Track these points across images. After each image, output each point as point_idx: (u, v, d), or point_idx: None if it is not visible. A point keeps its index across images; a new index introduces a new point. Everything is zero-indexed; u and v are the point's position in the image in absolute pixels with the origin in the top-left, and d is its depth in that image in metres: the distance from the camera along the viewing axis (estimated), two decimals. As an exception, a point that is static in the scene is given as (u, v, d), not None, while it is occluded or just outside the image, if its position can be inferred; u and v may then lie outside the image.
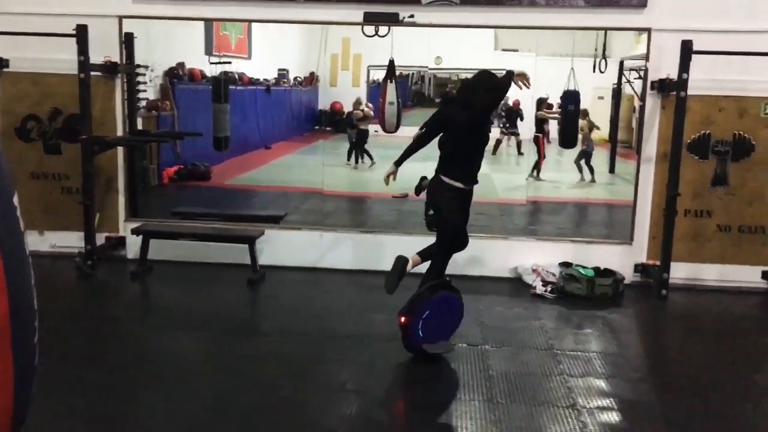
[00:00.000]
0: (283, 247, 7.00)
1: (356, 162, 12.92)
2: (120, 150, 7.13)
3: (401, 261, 4.86)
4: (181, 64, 11.47)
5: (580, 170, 11.85)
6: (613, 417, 4.10)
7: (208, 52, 12.31)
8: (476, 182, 4.88)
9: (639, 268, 6.75)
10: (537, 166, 11.99)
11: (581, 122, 11.13)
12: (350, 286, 6.51)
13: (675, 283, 6.43)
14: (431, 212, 4.96)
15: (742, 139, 6.54)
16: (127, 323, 5.59)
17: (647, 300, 6.41)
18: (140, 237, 6.67)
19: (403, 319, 4.68)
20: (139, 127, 7.75)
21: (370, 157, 12.83)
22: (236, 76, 13.07)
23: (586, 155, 11.75)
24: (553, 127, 12.14)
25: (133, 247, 7.00)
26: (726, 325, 5.94)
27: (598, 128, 12.22)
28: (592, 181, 11.85)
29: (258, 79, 14.69)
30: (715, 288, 6.63)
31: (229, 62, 10.41)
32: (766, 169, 6.56)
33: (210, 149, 9.54)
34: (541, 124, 12.14)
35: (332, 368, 4.65)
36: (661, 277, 6.34)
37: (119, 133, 7.06)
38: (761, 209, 6.61)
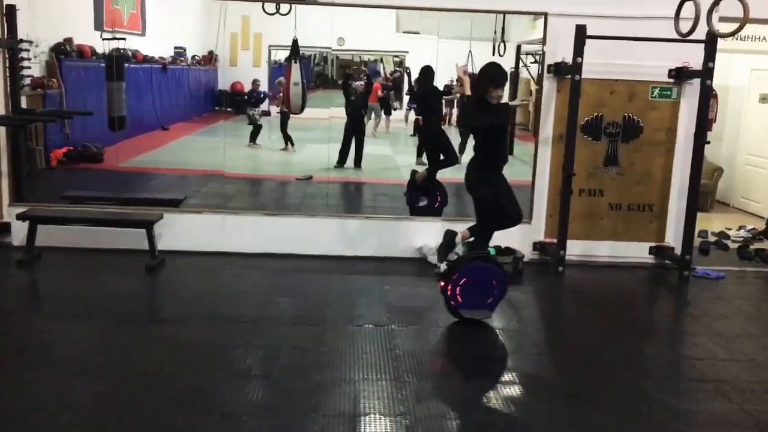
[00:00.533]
0: (184, 232, 6.77)
1: (287, 145, 12.45)
2: (2, 130, 6.66)
3: (450, 234, 5.42)
4: (68, 40, 10.82)
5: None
6: (515, 390, 4.23)
7: (98, 27, 11.66)
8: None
9: (537, 246, 6.99)
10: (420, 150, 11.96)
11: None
12: (254, 270, 6.38)
13: (571, 259, 6.70)
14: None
15: (632, 121, 6.86)
16: (11, 313, 5.25)
17: (545, 277, 6.65)
18: (26, 223, 6.28)
19: (441, 283, 5.17)
20: (24, 105, 7.26)
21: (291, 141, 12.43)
22: (129, 54, 12.47)
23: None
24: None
25: (18, 233, 6.58)
26: (617, 298, 6.26)
27: None
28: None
29: (153, 57, 14.09)
30: (607, 264, 6.96)
31: (124, 39, 9.89)
32: (653, 150, 6.91)
33: (102, 130, 9.06)
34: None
35: (237, 354, 4.54)
36: (557, 255, 6.58)
37: (1, 111, 6.60)
38: (649, 188, 6.97)
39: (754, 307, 6.24)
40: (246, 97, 13.82)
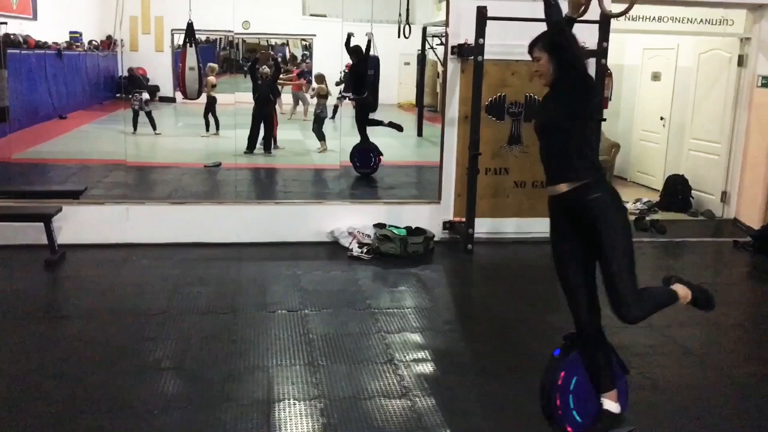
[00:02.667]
0: (85, 224, 6.51)
1: (216, 130, 11.99)
2: None
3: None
4: (-50, 24, 10.13)
5: (320, 138, 11.45)
6: (428, 368, 4.32)
7: (-17, 11, 10.98)
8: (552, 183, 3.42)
9: (447, 225, 7.12)
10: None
11: (317, 86, 11.24)
12: (162, 261, 6.22)
13: (479, 237, 6.86)
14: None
15: (533, 101, 7.06)
16: None
17: (455, 255, 6.79)
18: None
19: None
20: None
21: (217, 125, 11.99)
22: (20, 39, 11.80)
23: (320, 120, 11.33)
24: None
25: None
26: (524, 273, 6.46)
27: (330, 94, 11.85)
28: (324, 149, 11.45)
29: (47, 43, 13.38)
30: (514, 240, 7.17)
31: (5, 23, 9.33)
32: (554, 129, 7.13)
33: (-7, 120, 8.59)
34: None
35: (146, 347, 4.43)
36: (466, 233, 6.73)
37: None
38: (551, 165, 7.19)
39: (650, 275, 6.55)
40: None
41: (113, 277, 5.81)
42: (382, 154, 9.69)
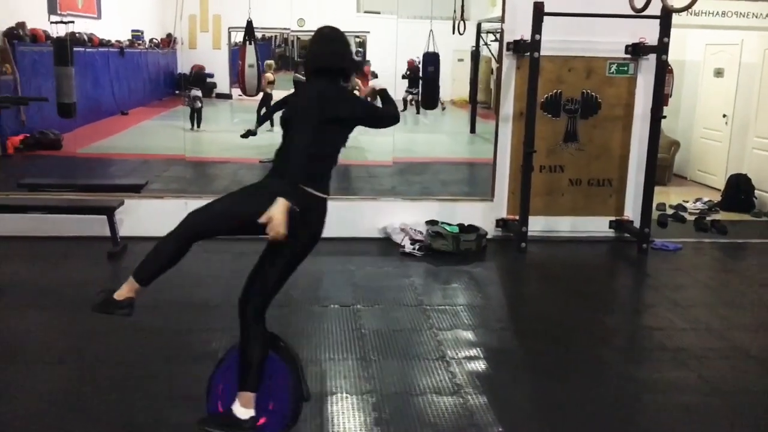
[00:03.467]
0: (145, 217, 6.68)
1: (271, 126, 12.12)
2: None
3: None
4: (21, 24, 10.54)
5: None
6: (480, 365, 4.30)
7: (52, 11, 11.38)
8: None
9: (500, 222, 7.07)
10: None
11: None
12: (218, 254, 6.34)
13: (533, 235, 6.79)
14: None
15: (590, 98, 6.95)
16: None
17: (508, 253, 6.74)
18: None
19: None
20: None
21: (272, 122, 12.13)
22: (85, 38, 12.20)
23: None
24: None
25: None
26: (579, 272, 6.37)
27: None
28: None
29: (110, 41, 13.81)
30: (568, 238, 7.08)
31: (72, 22, 9.66)
32: (610, 125, 7.02)
33: (59, 116, 8.88)
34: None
35: (201, 338, 4.53)
36: (520, 231, 6.67)
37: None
38: (607, 163, 7.08)
39: (710, 277, 6.42)
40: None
41: (172, 269, 5.93)
42: None
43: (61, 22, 9.71)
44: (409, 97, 14.32)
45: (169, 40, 16.40)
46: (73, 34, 10.21)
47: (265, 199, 2.83)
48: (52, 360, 4.19)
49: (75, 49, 9.32)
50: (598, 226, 7.15)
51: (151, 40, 15.98)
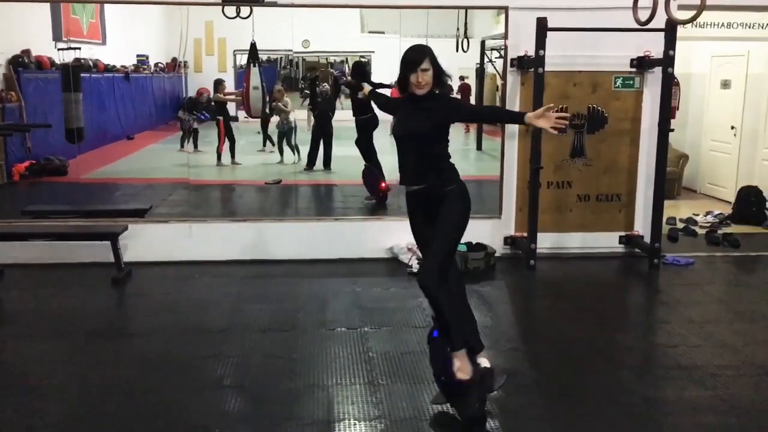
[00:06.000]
0: (150, 242, 6.64)
1: (273, 146, 12.14)
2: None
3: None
4: (26, 52, 10.59)
5: (281, 152, 11.58)
6: (491, 388, 4.19)
7: (57, 37, 11.44)
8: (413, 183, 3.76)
9: (508, 240, 6.98)
10: (227, 149, 11.75)
11: (283, 101, 11.25)
12: (223, 278, 6.29)
13: (542, 252, 6.70)
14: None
15: (596, 112, 6.88)
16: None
17: (517, 271, 6.64)
18: (-13, 240, 6.12)
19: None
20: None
21: (273, 142, 12.18)
22: (90, 63, 12.26)
23: (284, 136, 11.50)
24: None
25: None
26: (589, 289, 6.26)
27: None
28: (298, 160, 11.44)
29: (115, 66, 13.88)
30: (578, 255, 6.97)
31: (78, 48, 9.71)
32: (618, 140, 6.94)
33: (65, 142, 8.89)
34: (220, 106, 11.92)
35: (209, 364, 4.45)
36: (528, 248, 6.58)
37: (-45, 127, 6.43)
38: (616, 178, 7.00)
39: (723, 291, 6.30)
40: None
41: (177, 294, 5.90)
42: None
43: (69, 48, 9.78)
44: None
45: (174, 64, 16.47)
46: (78, 60, 10.25)
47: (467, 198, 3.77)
48: (56, 388, 4.11)
49: (81, 75, 9.36)
50: (607, 241, 7.04)
51: (156, 65, 16.06)
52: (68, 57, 9.98)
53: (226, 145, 11.42)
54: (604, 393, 4.14)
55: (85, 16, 13.04)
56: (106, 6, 13.15)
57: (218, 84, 11.97)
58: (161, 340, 4.90)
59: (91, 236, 6.29)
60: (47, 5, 10.27)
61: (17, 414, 3.80)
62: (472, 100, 14.67)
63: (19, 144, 9.95)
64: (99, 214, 7.26)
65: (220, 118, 11.60)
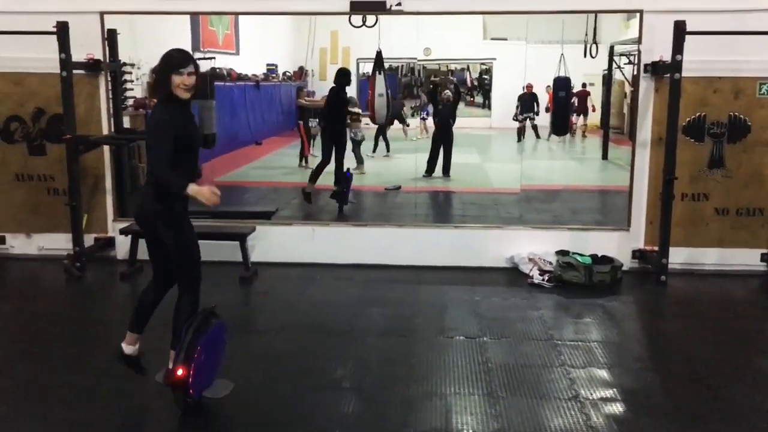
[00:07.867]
0: (275, 243, 6.88)
1: (387, 151, 12.52)
2: (106, 149, 7.00)
3: None
4: (167, 61, 11.30)
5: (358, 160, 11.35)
6: (617, 408, 4.00)
7: (195, 48, 12.12)
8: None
9: (637, 254, 6.66)
10: (302, 154, 11.90)
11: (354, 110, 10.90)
12: (344, 281, 6.40)
13: (674, 268, 6.35)
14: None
15: (738, 120, 6.45)
16: (115, 326, 5.43)
17: (646, 286, 6.33)
18: (129, 237, 6.54)
19: (180, 371, 3.70)
20: (126, 125, 7.59)
21: (387, 147, 12.57)
22: (225, 72, 12.90)
23: (356, 143, 11.27)
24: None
25: (122, 247, 6.88)
26: (726, 309, 5.85)
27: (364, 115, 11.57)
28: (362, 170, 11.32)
29: (247, 75, 14.53)
30: (714, 272, 6.56)
31: (213, 58, 10.23)
32: (762, 150, 6.47)
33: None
34: (302, 111, 11.93)
35: (328, 365, 4.53)
36: (659, 263, 6.25)
37: (105, 132, 6.93)
38: (759, 191, 6.53)
39: None
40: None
41: (300, 295, 6.06)
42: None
43: (205, 57, 10.32)
44: (527, 122, 13.99)
45: (300, 73, 17.03)
46: (213, 69, 10.81)
47: None
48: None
49: (216, 83, 9.85)
50: (748, 258, 6.57)
51: (284, 73, 16.67)
52: (205, 66, 10.53)
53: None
54: (745, 423, 3.84)
55: (221, 28, 13.74)
56: (240, 17, 13.79)
57: (300, 90, 12.24)
58: (284, 338, 5.05)
59: (222, 236, 6.57)
60: (188, 17, 10.88)
61: (150, 404, 4.02)
62: (597, 107, 14.21)
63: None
64: (230, 215, 7.57)
65: (301, 122, 11.93)
